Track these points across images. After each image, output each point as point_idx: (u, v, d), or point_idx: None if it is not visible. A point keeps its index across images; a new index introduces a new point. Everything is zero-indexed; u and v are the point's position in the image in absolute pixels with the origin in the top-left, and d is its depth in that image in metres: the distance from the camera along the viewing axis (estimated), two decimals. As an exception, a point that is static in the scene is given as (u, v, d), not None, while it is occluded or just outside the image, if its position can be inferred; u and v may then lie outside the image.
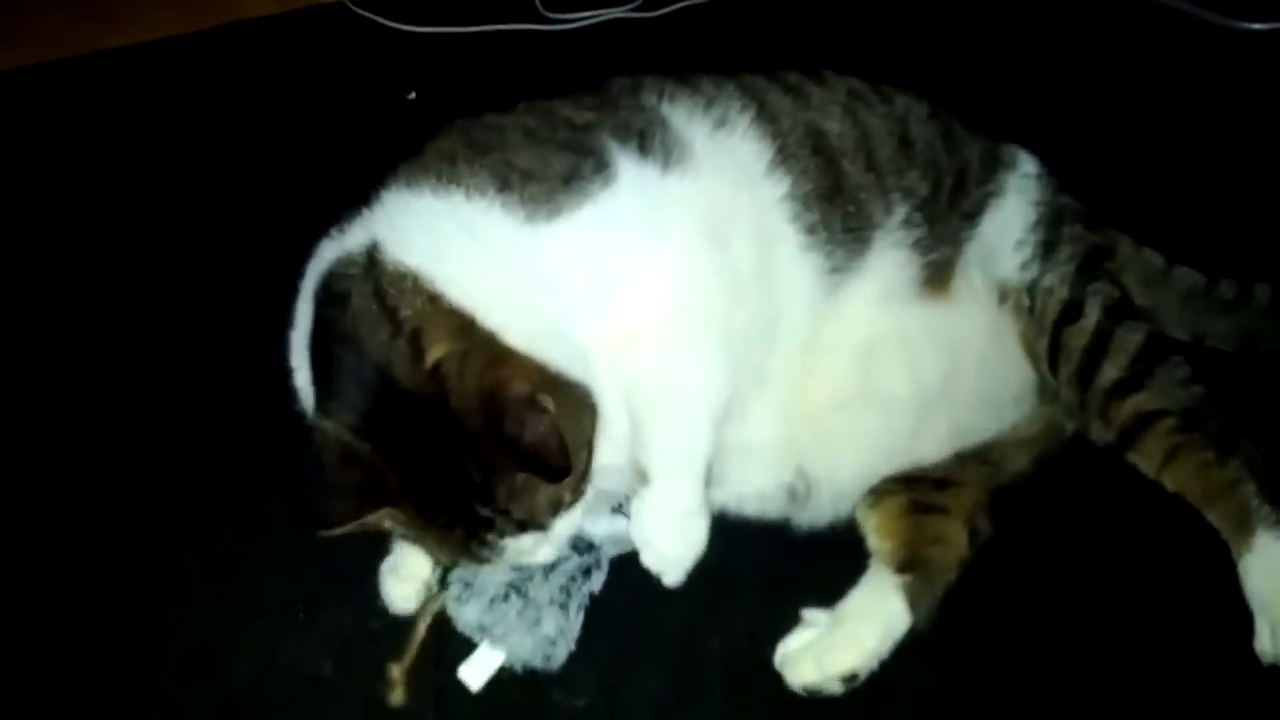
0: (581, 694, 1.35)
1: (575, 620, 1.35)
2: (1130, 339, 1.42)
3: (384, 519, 1.21)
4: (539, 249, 1.25)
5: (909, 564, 1.38)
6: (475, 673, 1.34)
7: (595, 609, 1.38)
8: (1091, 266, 1.47)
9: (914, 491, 1.45)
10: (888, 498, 1.46)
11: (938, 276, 1.46)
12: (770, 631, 1.39)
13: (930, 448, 1.47)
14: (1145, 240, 1.60)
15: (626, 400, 1.29)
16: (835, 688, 1.29)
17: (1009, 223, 1.49)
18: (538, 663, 1.33)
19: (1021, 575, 1.42)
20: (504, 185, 1.27)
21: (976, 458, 1.47)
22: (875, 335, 1.44)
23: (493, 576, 1.34)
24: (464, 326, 1.19)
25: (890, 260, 1.44)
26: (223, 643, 1.42)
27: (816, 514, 1.48)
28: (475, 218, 1.26)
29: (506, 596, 1.33)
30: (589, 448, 1.24)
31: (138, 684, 1.40)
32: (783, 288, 1.39)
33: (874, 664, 1.30)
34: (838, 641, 1.32)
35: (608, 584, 1.40)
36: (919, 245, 1.44)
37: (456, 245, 1.24)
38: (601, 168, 1.31)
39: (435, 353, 1.17)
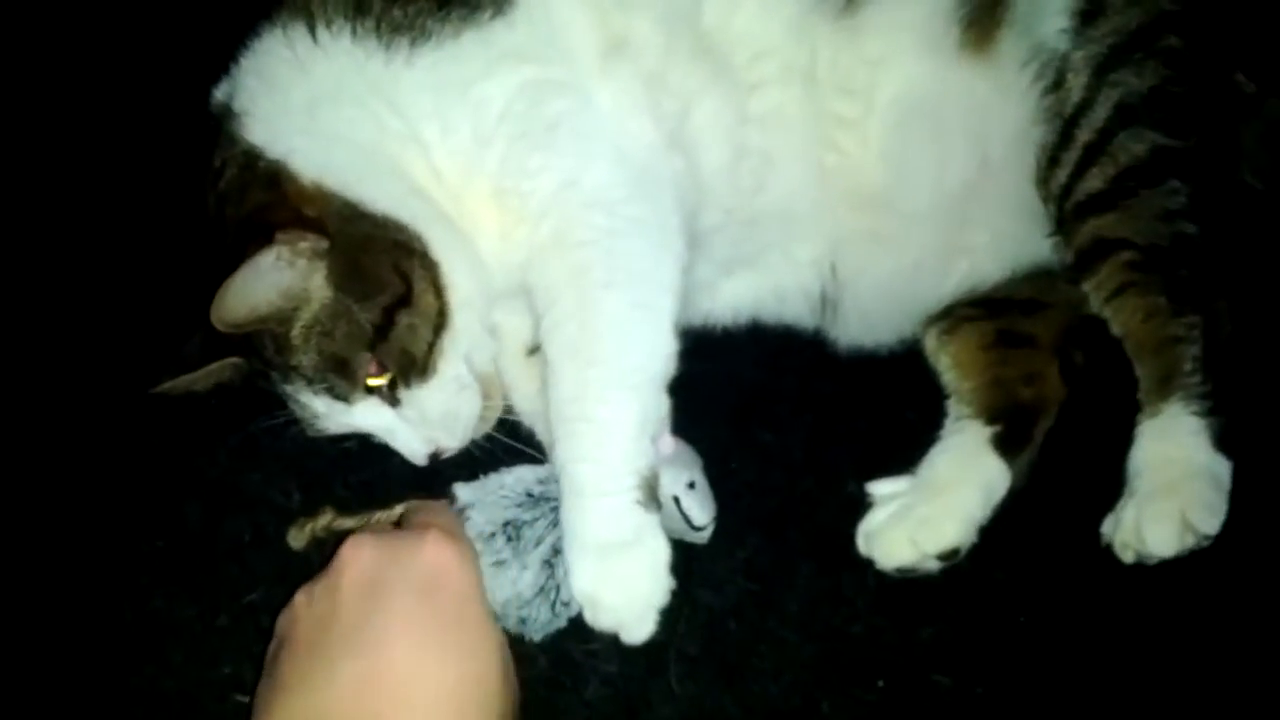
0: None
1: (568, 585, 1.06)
2: (1130, 148, 1.16)
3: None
4: (390, 84, 1.12)
5: (1001, 410, 1.19)
6: None
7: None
8: (1136, 46, 1.19)
9: (1000, 319, 1.25)
10: (967, 325, 1.26)
11: (983, 22, 1.20)
12: (808, 462, 1.21)
13: (977, 263, 1.26)
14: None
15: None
16: (932, 566, 1.11)
17: None
18: (510, 625, 1.03)
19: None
20: (360, 9, 1.13)
21: (1063, 276, 1.24)
22: (909, 95, 1.21)
23: (492, 509, 1.06)
24: (250, 160, 1.12)
25: None
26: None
27: (849, 334, 1.30)
28: (310, 53, 1.14)
29: (493, 535, 1.04)
30: (406, 302, 1.09)
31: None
32: (748, 23, 1.19)
33: (975, 535, 1.12)
34: (933, 514, 1.12)
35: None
36: None
37: (275, 86, 1.14)
38: None
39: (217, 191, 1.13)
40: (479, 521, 1.04)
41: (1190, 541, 1.06)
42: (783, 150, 1.21)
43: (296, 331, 1.07)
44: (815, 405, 1.28)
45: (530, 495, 1.07)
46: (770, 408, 1.28)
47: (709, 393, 1.24)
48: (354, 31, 1.13)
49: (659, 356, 1.08)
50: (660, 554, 1.05)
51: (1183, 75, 1.19)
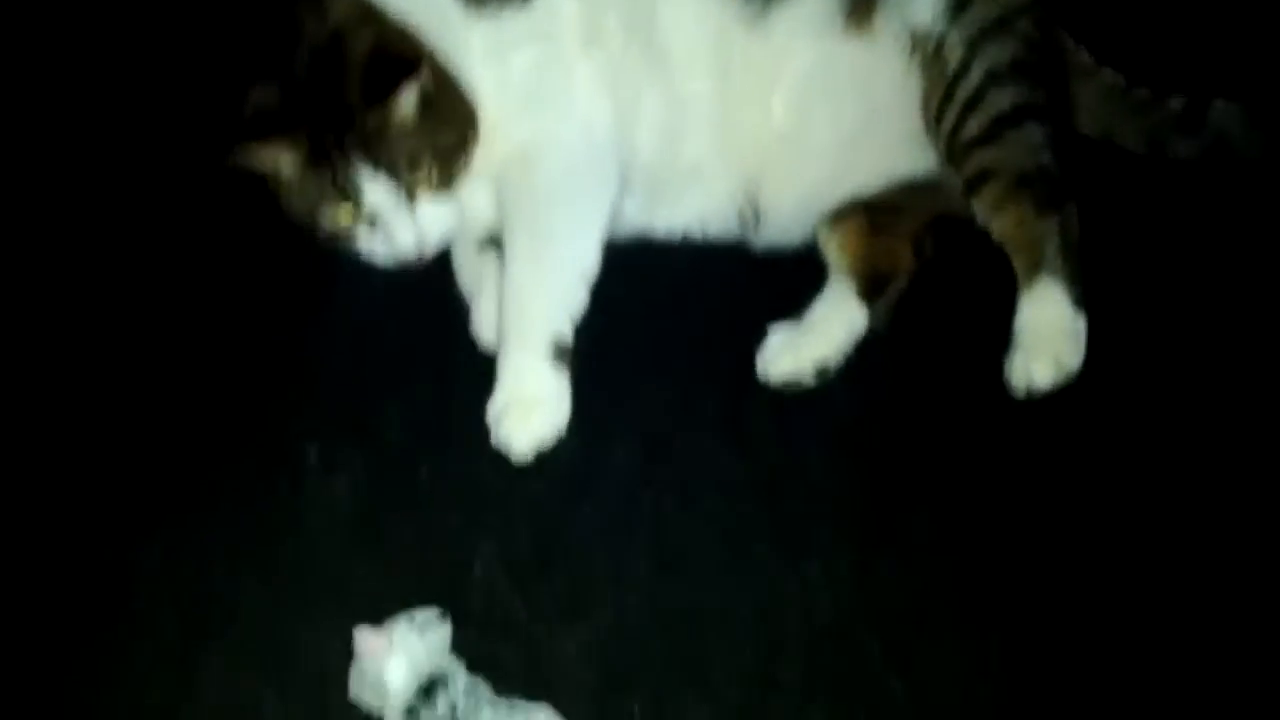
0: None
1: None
2: (996, 102, 1.53)
3: (280, 155, 1.44)
4: (466, 28, 1.49)
5: (864, 275, 1.56)
6: None
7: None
8: (998, 29, 1.56)
9: (871, 215, 1.62)
10: (847, 220, 1.62)
11: (860, 10, 1.57)
12: (734, 325, 1.57)
13: (864, 181, 1.62)
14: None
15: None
16: (809, 378, 1.48)
17: None
18: None
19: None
20: None
21: (926, 188, 1.62)
22: (806, 68, 1.58)
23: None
24: (368, 11, 1.46)
25: None
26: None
27: (768, 239, 1.66)
28: None
29: None
30: (459, 139, 1.47)
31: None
32: (686, 28, 1.56)
33: (840, 357, 1.50)
34: (810, 339, 1.50)
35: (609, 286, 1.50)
36: None
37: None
38: None
39: (336, 14, 1.45)
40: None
41: (1062, 376, 1.43)
42: (693, 123, 1.59)
43: (394, 130, 1.42)
44: (733, 290, 1.64)
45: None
46: (698, 294, 1.64)
47: (649, 285, 1.62)
48: None
49: (584, 260, 1.47)
50: (558, 406, 1.42)
51: (1034, 48, 1.59)
